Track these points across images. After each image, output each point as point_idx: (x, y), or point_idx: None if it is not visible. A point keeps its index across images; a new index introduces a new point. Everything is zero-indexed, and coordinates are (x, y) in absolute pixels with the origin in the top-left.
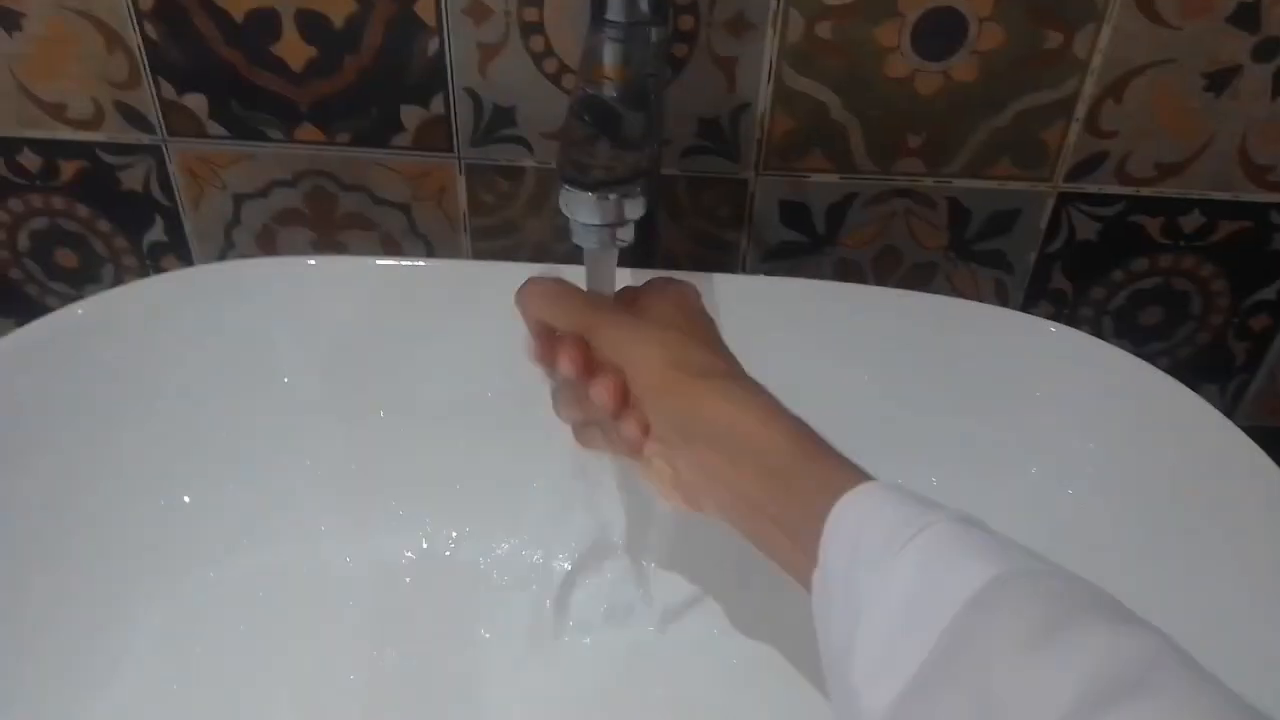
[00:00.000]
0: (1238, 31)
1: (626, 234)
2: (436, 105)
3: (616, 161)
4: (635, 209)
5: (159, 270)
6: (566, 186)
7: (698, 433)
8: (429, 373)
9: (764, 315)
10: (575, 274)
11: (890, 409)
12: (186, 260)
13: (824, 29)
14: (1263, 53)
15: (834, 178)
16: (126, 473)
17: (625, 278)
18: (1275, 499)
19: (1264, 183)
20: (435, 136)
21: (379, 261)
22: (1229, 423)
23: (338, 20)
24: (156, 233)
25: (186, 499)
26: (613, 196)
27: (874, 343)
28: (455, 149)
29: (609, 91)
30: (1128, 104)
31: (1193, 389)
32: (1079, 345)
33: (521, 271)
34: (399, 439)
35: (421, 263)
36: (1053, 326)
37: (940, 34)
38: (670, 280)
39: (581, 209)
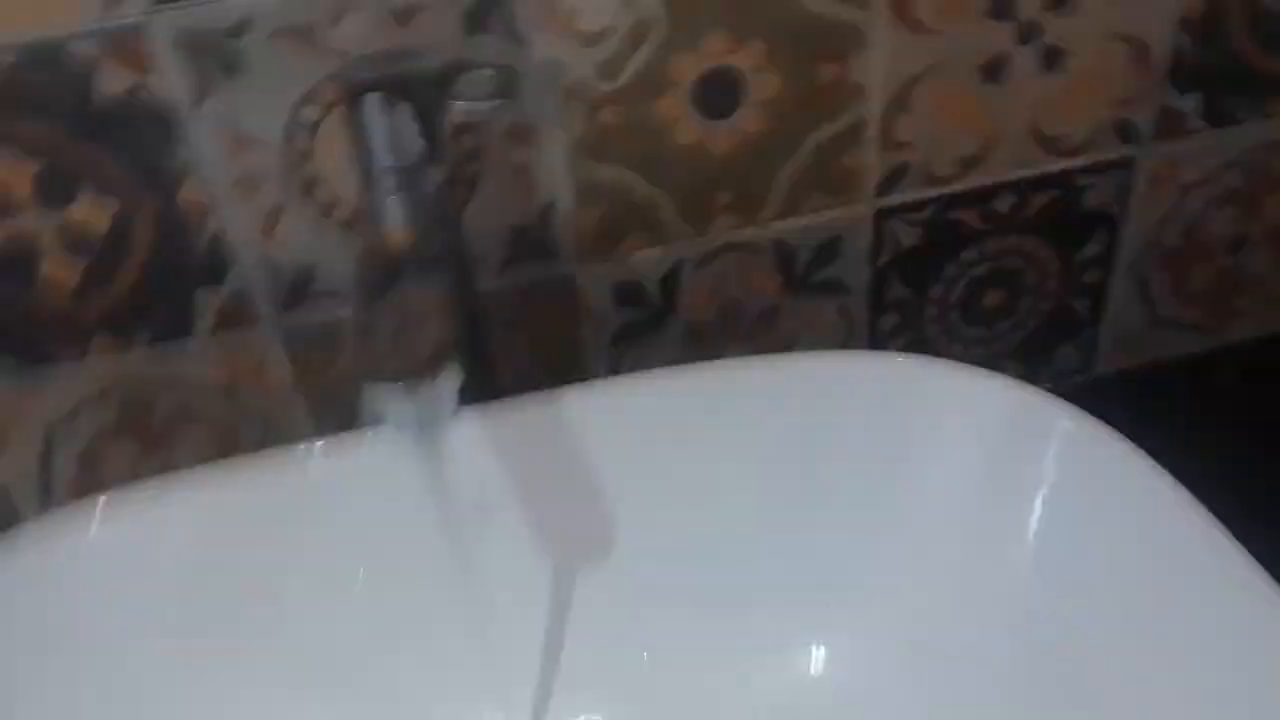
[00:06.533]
0: (996, 23)
1: (449, 409)
2: (232, 281)
3: (420, 342)
4: (450, 386)
5: None
6: (369, 383)
7: None
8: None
9: (616, 425)
10: None
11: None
12: (9, 509)
13: (607, 115)
14: (1024, 37)
15: (656, 251)
16: None
17: (473, 415)
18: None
19: (1059, 151)
20: (240, 313)
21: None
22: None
23: (101, 227)
24: None
25: None
26: (424, 383)
27: (730, 424)
28: (264, 319)
29: (399, 258)
30: (915, 113)
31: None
32: (926, 369)
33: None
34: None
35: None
36: (899, 357)
37: (719, 93)
38: None
39: (391, 405)
